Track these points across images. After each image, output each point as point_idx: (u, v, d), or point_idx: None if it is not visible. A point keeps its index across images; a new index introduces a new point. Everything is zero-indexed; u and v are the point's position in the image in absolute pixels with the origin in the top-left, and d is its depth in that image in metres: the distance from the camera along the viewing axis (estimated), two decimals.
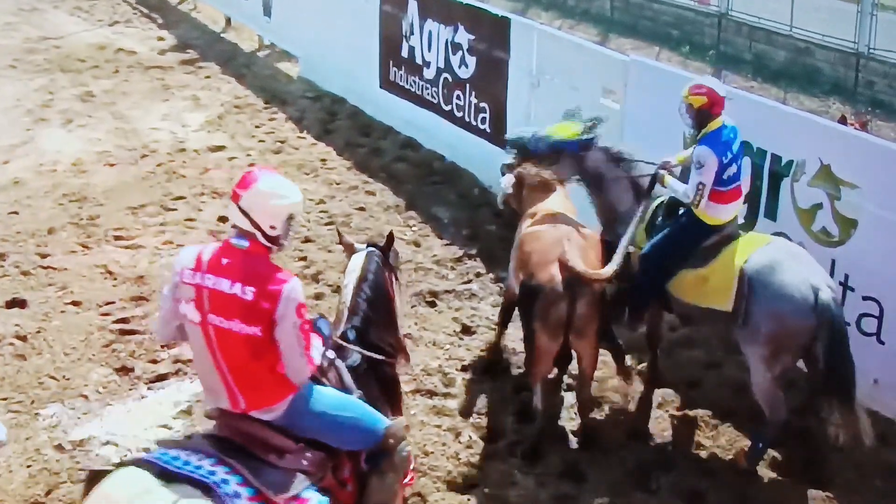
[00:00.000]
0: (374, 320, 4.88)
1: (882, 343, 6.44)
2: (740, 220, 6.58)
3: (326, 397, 4.31)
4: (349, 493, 4.34)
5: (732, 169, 6.16)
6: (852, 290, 6.56)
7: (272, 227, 4.12)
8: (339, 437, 4.32)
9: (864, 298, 6.48)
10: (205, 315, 4.07)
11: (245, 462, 4.02)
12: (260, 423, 4.19)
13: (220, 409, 4.26)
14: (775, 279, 5.83)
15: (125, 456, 6.01)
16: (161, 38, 15.74)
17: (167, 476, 3.88)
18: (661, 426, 6.51)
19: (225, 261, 4.07)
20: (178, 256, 4.21)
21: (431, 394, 6.82)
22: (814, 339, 5.78)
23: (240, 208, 4.12)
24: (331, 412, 4.29)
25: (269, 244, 4.16)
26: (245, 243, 4.11)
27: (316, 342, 4.38)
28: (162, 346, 7.07)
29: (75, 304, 7.77)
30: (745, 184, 6.53)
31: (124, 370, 6.97)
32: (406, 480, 4.62)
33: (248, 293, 4.02)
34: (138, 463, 4.00)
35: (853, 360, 5.79)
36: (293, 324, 4.07)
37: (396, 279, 5.17)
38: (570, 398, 6.74)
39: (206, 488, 3.86)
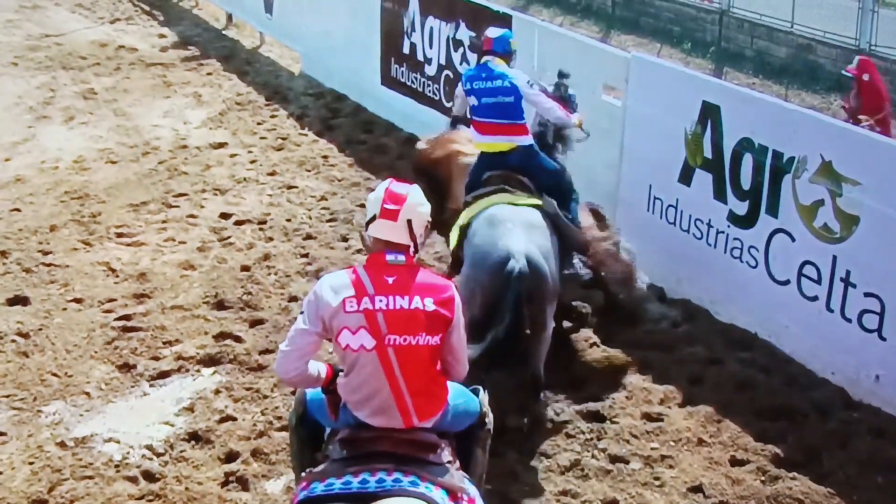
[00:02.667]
0: None
1: (884, 339, 6.43)
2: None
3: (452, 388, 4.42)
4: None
5: (472, 101, 6.83)
6: (854, 286, 6.55)
7: (421, 236, 4.22)
8: (459, 422, 4.45)
9: (866, 295, 6.47)
10: (382, 337, 4.04)
11: (415, 466, 4.07)
12: (413, 429, 4.22)
13: (364, 430, 4.21)
14: (475, 240, 6.22)
15: (128, 454, 6.05)
16: (162, 36, 15.75)
17: (366, 498, 3.91)
18: (664, 422, 6.50)
19: (390, 279, 4.08)
20: (320, 289, 4.12)
21: None
22: (498, 300, 5.85)
23: (400, 224, 4.15)
24: (453, 402, 4.39)
25: (415, 253, 4.23)
26: (402, 258, 4.14)
27: None
28: (167, 342, 7.07)
29: (77, 301, 7.77)
30: (509, 124, 6.81)
31: (126, 367, 6.96)
32: None
33: (429, 304, 4.08)
34: (337, 499, 3.95)
35: (545, 327, 6.18)
36: (462, 325, 4.22)
37: None
38: (572, 395, 6.74)
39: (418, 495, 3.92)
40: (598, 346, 7.28)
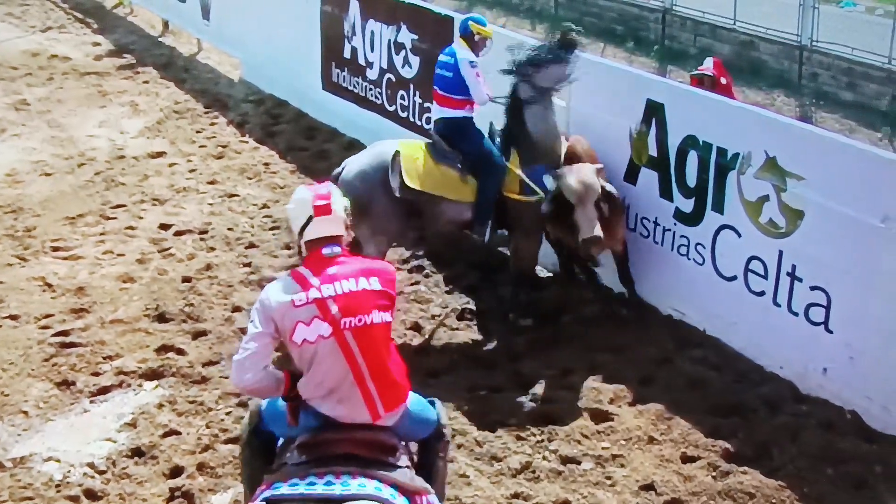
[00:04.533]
0: None
1: (830, 332, 6.48)
2: None
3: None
4: None
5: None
6: (800, 280, 6.59)
7: (348, 225, 4.36)
8: (417, 430, 4.51)
9: (812, 288, 6.51)
10: (338, 322, 4.11)
11: (376, 468, 4.11)
12: (375, 428, 4.25)
13: (324, 433, 4.22)
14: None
15: (68, 473, 5.89)
16: (97, 44, 15.48)
17: (331, 501, 3.93)
18: (614, 422, 6.47)
19: (332, 269, 4.18)
20: (266, 295, 4.19)
21: None
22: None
23: (335, 216, 4.28)
24: (412, 407, 4.45)
25: (348, 245, 4.38)
26: (338, 248, 4.27)
27: None
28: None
29: (13, 317, 7.57)
30: (445, 96, 7.61)
31: (65, 384, 6.79)
32: None
33: (375, 284, 4.19)
34: (302, 500, 3.96)
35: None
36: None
37: None
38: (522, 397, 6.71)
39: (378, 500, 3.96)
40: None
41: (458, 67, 7.48)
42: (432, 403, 4.64)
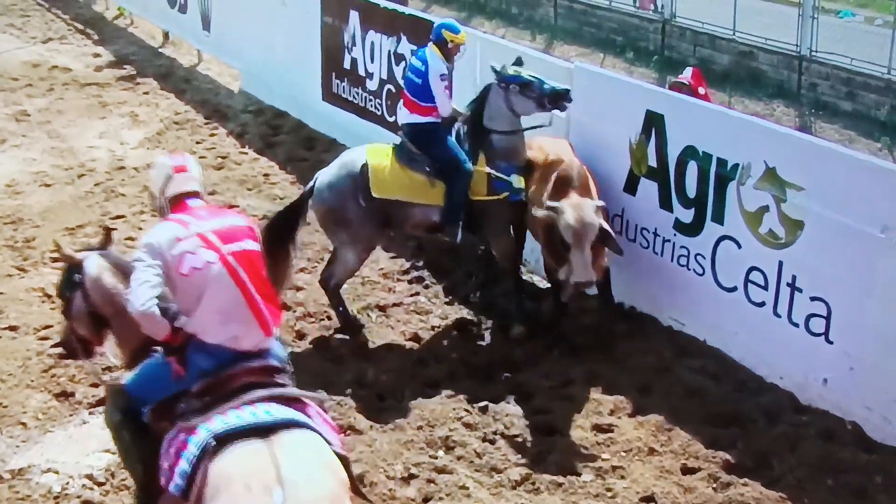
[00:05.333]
0: None
1: (830, 343, 6.47)
2: None
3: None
4: None
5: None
6: (800, 290, 6.58)
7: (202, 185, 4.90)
8: (278, 359, 4.82)
9: (812, 299, 6.50)
10: (220, 249, 4.52)
11: (276, 390, 4.48)
12: (261, 355, 4.62)
13: (213, 376, 4.50)
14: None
15: (66, 485, 5.88)
16: (97, 55, 15.48)
17: (265, 429, 4.24)
18: (614, 433, 6.46)
19: (202, 213, 4.66)
20: (151, 237, 4.55)
21: (382, 407, 6.75)
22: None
23: (192, 173, 4.82)
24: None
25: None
26: (200, 201, 4.77)
27: None
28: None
29: (12, 328, 7.56)
30: (412, 100, 7.78)
31: (64, 395, 6.78)
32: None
33: (241, 221, 4.76)
34: (232, 437, 4.20)
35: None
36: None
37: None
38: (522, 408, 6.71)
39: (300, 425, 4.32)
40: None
41: (427, 76, 7.62)
42: None
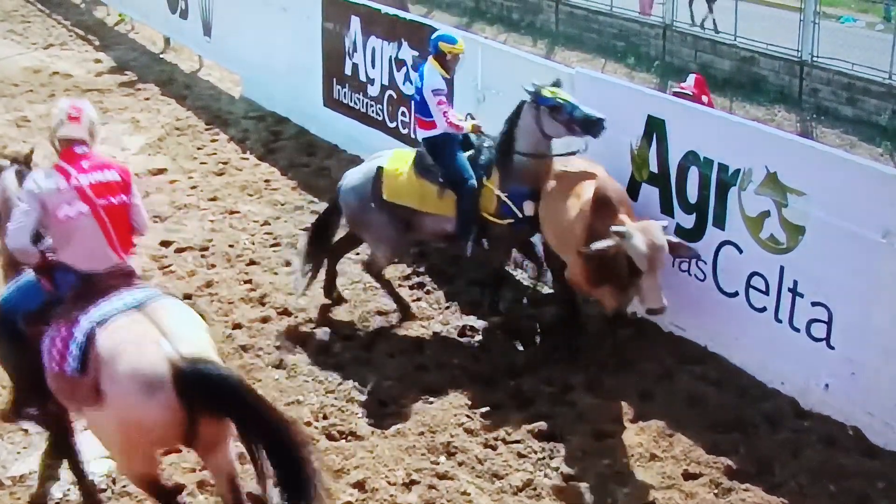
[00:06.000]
0: None
1: (832, 348, 6.47)
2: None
3: None
4: None
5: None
6: (801, 295, 6.57)
7: (95, 134, 5.57)
8: None
9: (814, 304, 6.50)
10: (93, 203, 5.27)
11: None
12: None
13: (82, 284, 5.29)
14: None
15: (67, 492, 5.89)
16: (98, 61, 15.50)
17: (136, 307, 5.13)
18: (615, 439, 6.46)
19: (85, 164, 5.35)
20: (33, 184, 5.25)
21: (383, 413, 6.75)
22: None
23: (83, 125, 5.47)
24: None
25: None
26: (86, 148, 5.43)
27: None
28: None
29: None
30: (418, 117, 7.93)
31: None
32: None
33: (115, 176, 5.43)
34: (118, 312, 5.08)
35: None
36: (139, 195, 5.62)
37: None
38: (523, 414, 6.69)
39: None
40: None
41: (421, 92, 7.73)
42: None
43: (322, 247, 8.06)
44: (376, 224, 7.79)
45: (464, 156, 7.70)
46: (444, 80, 7.78)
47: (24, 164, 6.19)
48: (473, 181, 7.55)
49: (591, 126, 7.17)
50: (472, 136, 7.80)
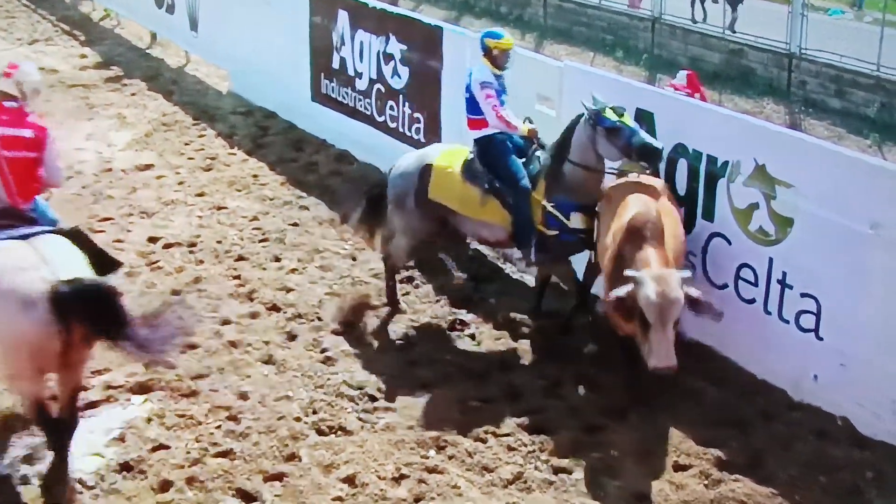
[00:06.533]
0: None
1: (821, 339, 6.48)
2: None
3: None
4: None
5: None
6: (790, 287, 6.58)
7: (27, 95, 6.29)
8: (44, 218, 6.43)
9: (803, 295, 6.51)
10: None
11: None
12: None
13: None
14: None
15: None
16: (84, 56, 15.40)
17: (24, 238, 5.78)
18: (606, 432, 6.46)
19: (5, 117, 6.11)
20: None
21: (372, 407, 6.73)
22: None
23: (11, 83, 6.24)
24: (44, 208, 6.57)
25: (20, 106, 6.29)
26: (16, 104, 6.18)
27: None
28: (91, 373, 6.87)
29: None
30: (469, 117, 7.70)
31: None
32: None
33: (31, 133, 6.17)
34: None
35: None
36: (55, 147, 6.37)
37: None
38: (513, 407, 6.69)
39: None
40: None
41: (471, 88, 7.55)
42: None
43: (375, 220, 8.05)
44: (412, 213, 7.69)
45: (517, 159, 7.45)
46: (494, 76, 7.56)
47: None
48: (527, 182, 7.32)
49: (649, 155, 6.88)
50: (520, 142, 7.56)
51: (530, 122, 7.64)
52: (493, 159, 7.48)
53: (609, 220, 6.76)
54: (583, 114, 7.16)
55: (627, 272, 6.06)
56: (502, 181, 7.39)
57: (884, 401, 6.18)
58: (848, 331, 6.32)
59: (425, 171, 7.66)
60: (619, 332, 6.50)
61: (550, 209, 7.23)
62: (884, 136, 12.66)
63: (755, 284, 6.79)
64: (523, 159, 7.50)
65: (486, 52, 7.61)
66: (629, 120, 7.00)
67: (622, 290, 6.05)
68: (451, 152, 7.80)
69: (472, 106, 7.57)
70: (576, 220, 7.21)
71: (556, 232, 7.26)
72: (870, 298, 6.18)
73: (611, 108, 6.99)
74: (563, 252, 7.46)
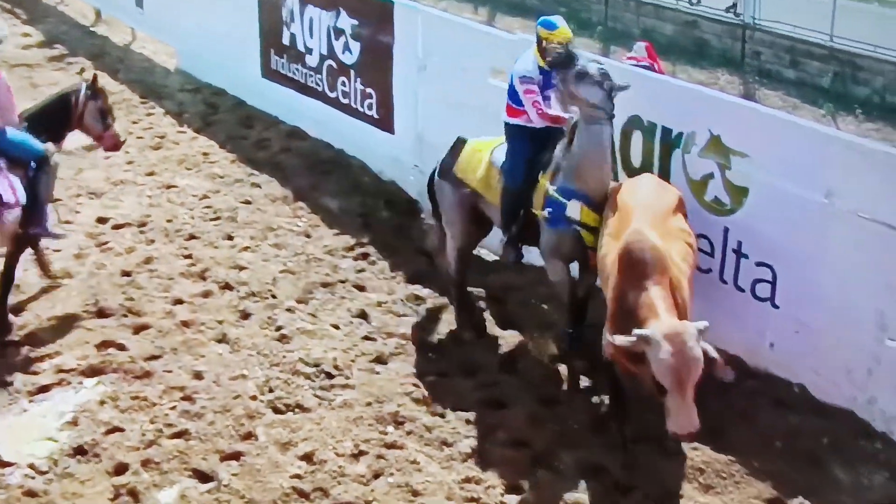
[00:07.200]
0: None
1: (776, 307, 6.52)
2: None
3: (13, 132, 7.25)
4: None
5: None
6: (746, 256, 6.61)
7: None
8: (15, 148, 7.14)
9: (758, 264, 6.54)
10: None
11: None
12: None
13: None
14: None
15: (8, 474, 5.77)
16: (26, 34, 15.02)
17: None
18: (563, 405, 6.48)
19: None
20: None
21: (329, 384, 6.68)
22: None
23: None
24: (15, 136, 7.19)
25: None
26: None
27: None
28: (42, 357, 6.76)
29: None
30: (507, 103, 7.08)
31: (3, 384, 6.61)
32: None
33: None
34: None
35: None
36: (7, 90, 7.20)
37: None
38: (471, 381, 6.66)
39: None
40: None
41: (511, 78, 6.98)
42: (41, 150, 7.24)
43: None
44: (449, 204, 7.33)
45: (528, 154, 6.90)
46: (539, 69, 6.86)
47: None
48: (514, 181, 6.87)
49: (562, 61, 6.52)
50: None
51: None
52: (508, 145, 7.06)
53: (606, 237, 6.24)
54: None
55: (635, 332, 5.30)
56: (503, 164, 7.01)
57: (840, 368, 6.24)
58: (803, 299, 6.36)
59: (455, 146, 7.35)
60: (623, 372, 5.86)
61: (552, 192, 6.68)
62: (837, 106, 12.78)
63: (711, 254, 6.80)
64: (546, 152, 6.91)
65: (539, 42, 6.90)
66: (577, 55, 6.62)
67: (626, 341, 5.33)
68: (492, 139, 7.25)
69: (512, 94, 6.98)
70: (574, 209, 6.58)
71: (546, 215, 6.71)
72: (825, 266, 6.23)
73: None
74: (551, 244, 6.77)
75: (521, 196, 6.89)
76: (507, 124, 7.07)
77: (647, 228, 5.75)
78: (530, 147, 6.94)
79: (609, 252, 5.99)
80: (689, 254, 6.05)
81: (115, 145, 8.35)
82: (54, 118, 7.75)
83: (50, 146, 7.37)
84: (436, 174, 7.50)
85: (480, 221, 7.36)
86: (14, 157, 7.08)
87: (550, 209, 6.68)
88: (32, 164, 7.17)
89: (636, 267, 5.57)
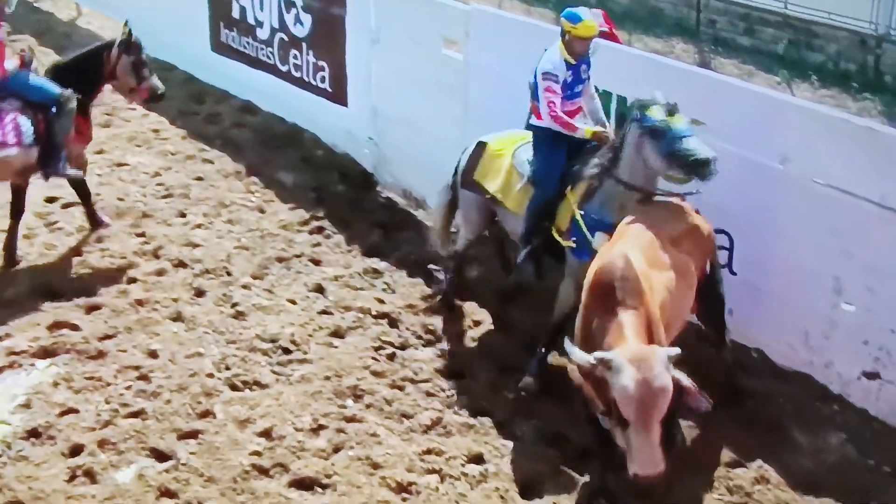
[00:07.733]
0: None
1: (734, 274, 6.56)
2: None
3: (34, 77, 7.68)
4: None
5: None
6: None
7: None
8: (32, 91, 7.51)
9: (716, 231, 6.53)
10: None
11: None
12: None
13: None
14: None
15: None
16: None
17: None
18: (523, 374, 6.47)
19: None
20: None
21: (287, 359, 6.64)
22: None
23: None
24: (30, 80, 7.57)
25: None
26: None
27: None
28: None
29: None
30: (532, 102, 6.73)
31: None
32: None
33: None
34: None
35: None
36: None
37: None
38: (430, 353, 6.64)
39: None
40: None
41: (534, 75, 6.58)
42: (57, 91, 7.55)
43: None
44: (464, 203, 7.06)
45: (564, 162, 6.53)
46: (565, 64, 6.48)
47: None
48: (549, 188, 6.49)
49: (696, 167, 5.83)
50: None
51: (604, 125, 6.70)
52: (534, 150, 6.67)
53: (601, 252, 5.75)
54: (630, 125, 6.16)
55: (596, 354, 4.81)
56: (533, 176, 6.60)
57: (797, 332, 6.31)
58: (760, 265, 6.41)
59: (476, 150, 6.94)
60: (590, 405, 5.33)
61: (579, 218, 6.29)
62: (792, 73, 12.83)
63: None
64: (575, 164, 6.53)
65: (562, 35, 6.48)
66: (680, 122, 5.96)
67: (585, 360, 4.82)
68: (512, 137, 6.92)
69: (535, 91, 6.60)
70: (598, 241, 6.11)
71: (573, 245, 6.33)
72: (781, 232, 6.26)
73: (661, 106, 5.99)
74: (574, 271, 6.32)
75: (549, 206, 6.51)
76: (536, 128, 6.65)
77: (632, 252, 5.30)
78: (565, 155, 6.56)
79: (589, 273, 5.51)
80: (676, 285, 5.58)
81: (153, 97, 8.50)
82: (85, 71, 7.95)
83: (67, 91, 7.56)
84: (458, 181, 7.06)
85: (494, 218, 7.10)
86: (33, 101, 7.45)
87: (576, 238, 6.31)
88: (53, 108, 7.49)
89: (608, 290, 5.11)
